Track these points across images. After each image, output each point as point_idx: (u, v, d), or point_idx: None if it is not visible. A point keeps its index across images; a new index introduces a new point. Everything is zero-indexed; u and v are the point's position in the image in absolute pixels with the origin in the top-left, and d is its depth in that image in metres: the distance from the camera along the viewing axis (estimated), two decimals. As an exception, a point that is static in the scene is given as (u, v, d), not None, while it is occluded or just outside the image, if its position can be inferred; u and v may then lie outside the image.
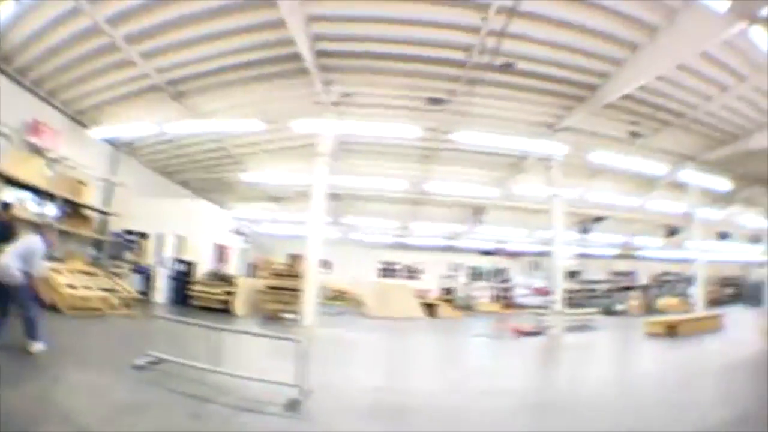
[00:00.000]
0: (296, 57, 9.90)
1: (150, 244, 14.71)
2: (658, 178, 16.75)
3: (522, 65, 10.33)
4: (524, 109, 12.56)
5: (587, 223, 23.24)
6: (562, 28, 9.18)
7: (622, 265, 29.86)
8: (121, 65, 10.69)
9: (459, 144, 13.56)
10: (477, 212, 22.36)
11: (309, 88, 11.35)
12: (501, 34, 8.99)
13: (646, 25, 9.07)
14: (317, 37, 9.72)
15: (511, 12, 8.38)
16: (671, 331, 12.09)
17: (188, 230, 14.92)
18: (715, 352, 10.07)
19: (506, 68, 10.00)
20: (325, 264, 15.15)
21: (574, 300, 20.97)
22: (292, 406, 4.22)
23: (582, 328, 14.12)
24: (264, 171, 16.95)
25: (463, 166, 16.72)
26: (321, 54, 10.26)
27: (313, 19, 9.13)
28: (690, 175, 16.12)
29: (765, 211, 20.74)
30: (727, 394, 5.84)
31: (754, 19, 7.77)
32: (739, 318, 15.66)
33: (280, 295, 12.97)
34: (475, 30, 9.12)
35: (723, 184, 16.95)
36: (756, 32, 8.12)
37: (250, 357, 6.60)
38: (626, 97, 11.37)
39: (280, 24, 8.74)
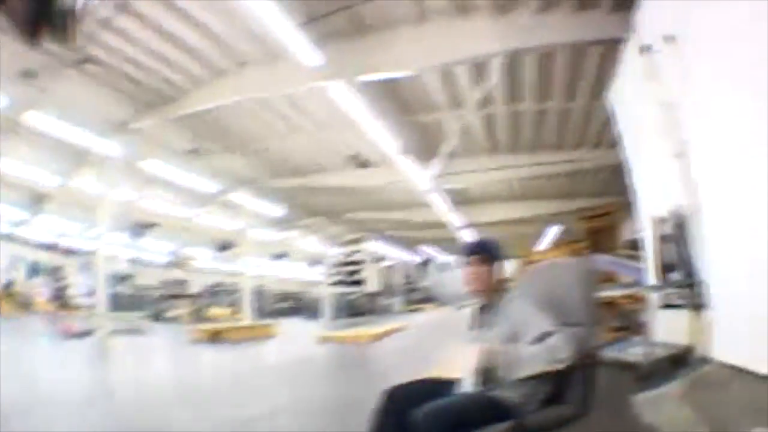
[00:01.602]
0: None
1: None
2: (213, 195, 18.94)
3: (110, 59, 10.12)
4: (101, 102, 11.96)
5: (139, 227, 23.11)
6: (160, 34, 9.29)
7: (175, 274, 30.58)
8: None
9: (30, 125, 12.03)
10: (37, 200, 19.26)
11: None
12: (104, 24, 8.72)
13: (239, 55, 10.10)
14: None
15: (123, 6, 8.29)
16: (215, 337, 12.84)
17: None
18: (249, 355, 11.09)
19: (84, 62, 9.69)
20: None
21: (124, 303, 20.52)
22: None
23: (131, 331, 14.18)
24: None
25: (31, 148, 14.43)
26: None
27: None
28: (244, 197, 19.01)
29: (324, 238, 25.90)
30: (250, 391, 6.45)
31: (348, 79, 9.15)
32: (294, 328, 18.04)
33: None
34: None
35: (277, 210, 20.91)
36: (339, 89, 9.42)
37: None
38: (195, 115, 12.42)
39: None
